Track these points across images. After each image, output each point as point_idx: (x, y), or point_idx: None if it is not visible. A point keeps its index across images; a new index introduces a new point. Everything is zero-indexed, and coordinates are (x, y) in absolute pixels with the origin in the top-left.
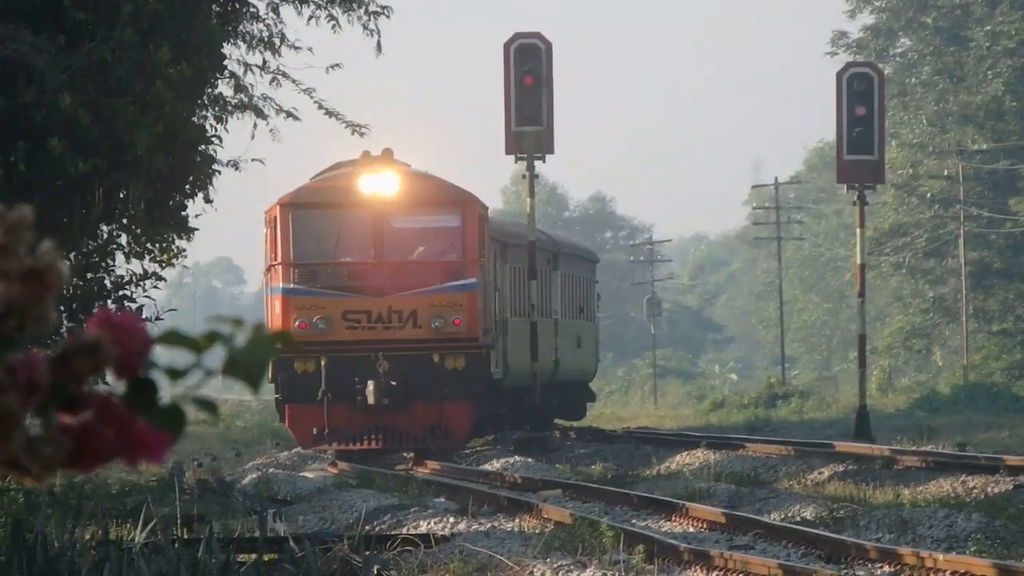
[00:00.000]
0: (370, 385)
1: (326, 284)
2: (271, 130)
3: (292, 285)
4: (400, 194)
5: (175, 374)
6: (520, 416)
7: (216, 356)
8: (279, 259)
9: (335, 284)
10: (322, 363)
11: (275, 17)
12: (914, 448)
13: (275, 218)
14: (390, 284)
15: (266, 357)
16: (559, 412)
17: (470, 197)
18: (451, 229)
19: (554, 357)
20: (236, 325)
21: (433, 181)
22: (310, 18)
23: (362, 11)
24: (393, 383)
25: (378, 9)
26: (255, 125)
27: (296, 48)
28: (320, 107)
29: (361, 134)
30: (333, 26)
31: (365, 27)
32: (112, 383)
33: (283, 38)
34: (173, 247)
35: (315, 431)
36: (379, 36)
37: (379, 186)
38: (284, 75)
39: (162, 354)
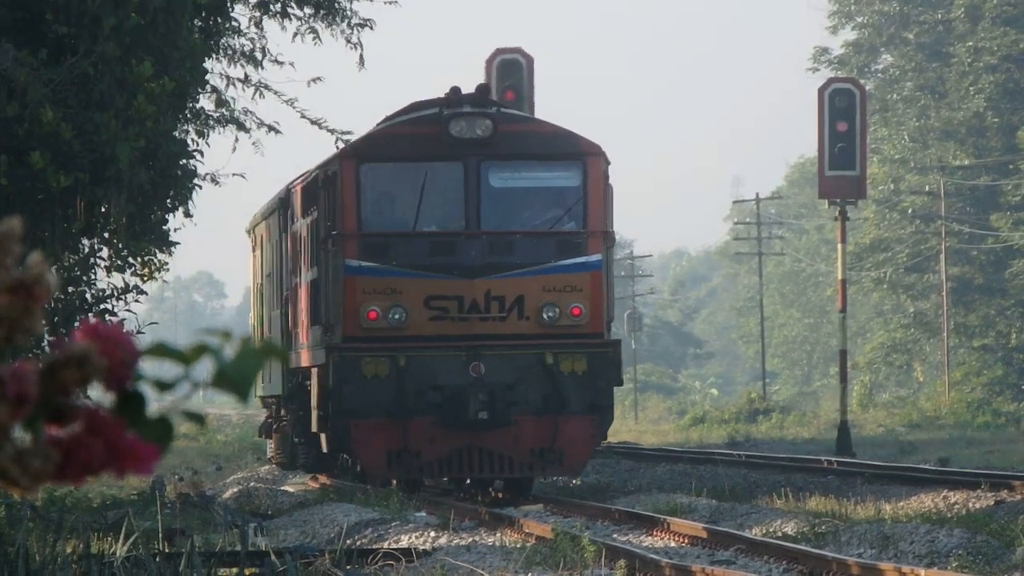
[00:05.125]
0: (462, 394)
1: (404, 261)
2: (253, 143)
3: (359, 263)
4: (501, 142)
5: (163, 386)
6: None
7: (203, 369)
8: (342, 228)
9: (415, 261)
10: (400, 364)
11: (258, 31)
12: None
13: (335, 175)
14: (488, 262)
15: (254, 369)
16: None
17: (593, 147)
18: (568, 189)
19: None
20: (224, 337)
21: (544, 125)
22: (295, 35)
23: (345, 24)
24: (492, 392)
25: (361, 22)
26: (236, 139)
27: (278, 62)
28: (302, 116)
29: (346, 142)
30: (315, 40)
31: (348, 40)
32: (100, 395)
33: (265, 52)
34: (154, 261)
35: (390, 453)
36: (362, 49)
37: (473, 132)
38: (266, 87)
39: (149, 366)
